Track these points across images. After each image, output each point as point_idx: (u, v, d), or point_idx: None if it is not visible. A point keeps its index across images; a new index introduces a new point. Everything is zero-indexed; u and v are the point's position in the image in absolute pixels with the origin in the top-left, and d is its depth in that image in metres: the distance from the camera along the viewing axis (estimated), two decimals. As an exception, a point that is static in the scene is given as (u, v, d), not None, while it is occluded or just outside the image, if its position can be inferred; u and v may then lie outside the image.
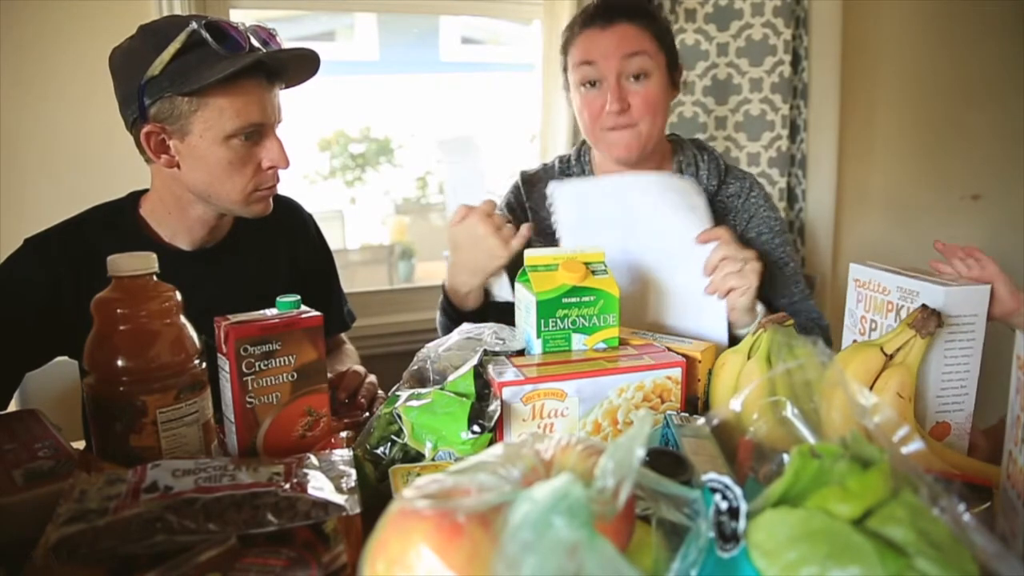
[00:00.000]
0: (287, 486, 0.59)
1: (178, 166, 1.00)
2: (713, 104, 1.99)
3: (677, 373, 0.81)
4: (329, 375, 0.91)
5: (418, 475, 0.69)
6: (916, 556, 0.38)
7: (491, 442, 0.73)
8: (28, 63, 1.52)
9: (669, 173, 1.09)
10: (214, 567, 0.51)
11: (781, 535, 0.39)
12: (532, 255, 0.89)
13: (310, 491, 0.59)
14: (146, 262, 0.72)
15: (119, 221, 1.08)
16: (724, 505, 0.41)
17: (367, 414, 0.96)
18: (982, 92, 2.29)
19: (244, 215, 1.07)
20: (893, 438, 0.45)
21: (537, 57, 1.94)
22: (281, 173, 1.05)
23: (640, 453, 0.41)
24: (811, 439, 0.50)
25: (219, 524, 0.54)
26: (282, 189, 1.28)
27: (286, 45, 1.04)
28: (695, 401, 0.88)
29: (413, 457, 0.75)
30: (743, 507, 0.41)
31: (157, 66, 0.92)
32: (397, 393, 0.82)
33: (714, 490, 0.42)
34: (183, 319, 0.75)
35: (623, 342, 0.89)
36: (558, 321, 0.86)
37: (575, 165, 1.29)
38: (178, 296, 0.75)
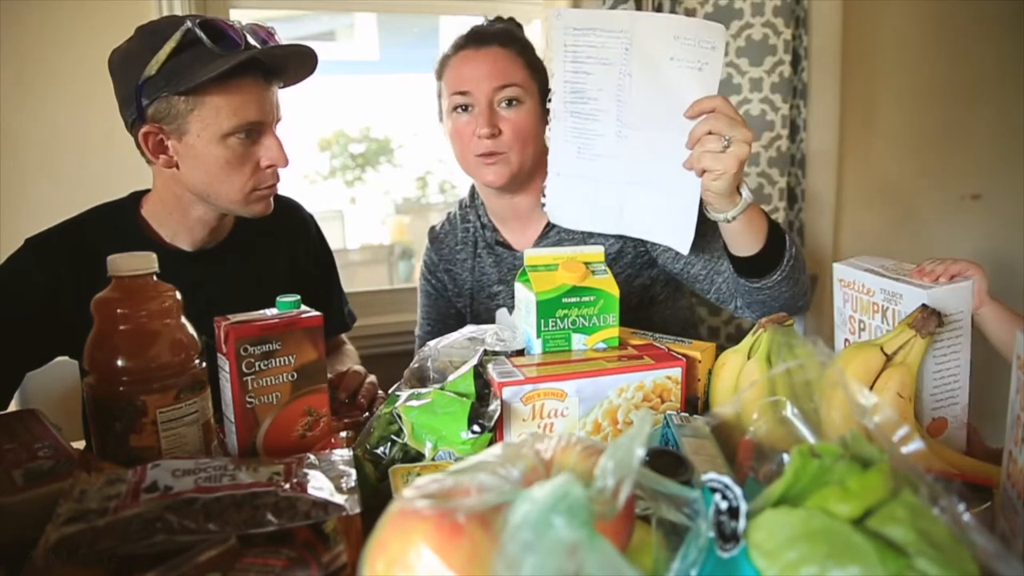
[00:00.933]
0: (287, 486, 0.59)
1: (177, 166, 1.00)
2: (713, 104, 1.98)
3: (677, 373, 0.81)
4: (329, 375, 0.91)
5: (418, 475, 0.69)
6: (916, 556, 0.38)
7: (491, 442, 0.73)
8: (28, 63, 1.52)
9: (693, 20, 0.95)
10: (214, 567, 0.51)
11: (781, 535, 0.39)
12: (532, 255, 0.89)
13: (310, 491, 0.59)
14: (146, 262, 0.72)
15: (120, 221, 1.08)
16: (724, 505, 0.41)
17: (367, 414, 0.96)
18: (982, 92, 2.29)
19: (244, 215, 1.06)
20: (893, 438, 0.45)
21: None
22: (281, 173, 1.05)
23: (640, 453, 0.41)
24: (811, 439, 0.50)
25: (219, 524, 0.54)
26: (282, 189, 1.27)
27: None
28: (695, 401, 0.88)
29: (413, 457, 0.75)
30: (743, 507, 0.41)
31: (153, 66, 0.92)
32: (397, 393, 0.82)
33: (714, 490, 0.42)
34: (183, 319, 0.75)
35: (623, 342, 0.89)
36: (558, 321, 0.86)
37: (470, 207, 1.30)
38: (178, 296, 0.75)
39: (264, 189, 1.04)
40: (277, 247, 1.21)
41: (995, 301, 0.83)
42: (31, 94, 1.53)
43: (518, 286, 0.92)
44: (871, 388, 0.78)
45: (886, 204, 2.29)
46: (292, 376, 0.76)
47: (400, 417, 0.76)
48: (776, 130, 1.98)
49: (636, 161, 0.99)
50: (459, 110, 1.13)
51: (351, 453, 0.69)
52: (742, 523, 0.41)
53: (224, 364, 0.74)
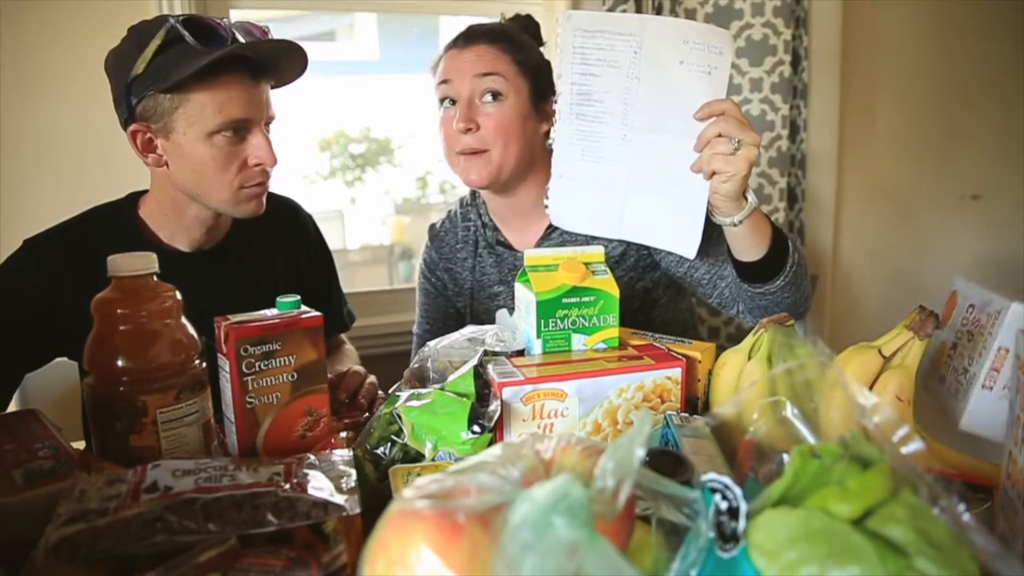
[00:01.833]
0: (287, 486, 0.59)
1: (167, 165, 1.00)
2: (713, 104, 1.98)
3: (677, 373, 0.81)
4: (329, 375, 0.91)
5: (418, 475, 0.69)
6: (916, 556, 0.38)
7: (491, 442, 0.73)
8: (28, 63, 1.52)
9: (702, 25, 0.95)
10: (214, 567, 0.51)
11: (781, 535, 0.39)
12: (532, 255, 0.89)
13: (310, 491, 0.59)
14: (146, 262, 0.73)
15: (119, 222, 1.08)
16: (724, 505, 0.41)
17: (367, 414, 0.96)
18: (982, 92, 2.29)
19: (235, 215, 1.06)
20: (893, 438, 0.45)
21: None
22: (278, 172, 1.05)
23: (640, 453, 0.41)
24: (811, 439, 0.50)
25: (219, 524, 0.54)
26: (282, 189, 1.28)
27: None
28: (695, 401, 0.88)
29: (413, 457, 0.75)
30: (743, 507, 0.41)
31: (140, 64, 0.93)
32: (397, 393, 0.82)
33: (714, 490, 0.42)
34: (183, 319, 0.75)
35: (623, 342, 0.89)
36: (558, 321, 0.86)
37: (471, 205, 1.29)
38: (178, 296, 0.75)
39: (252, 187, 1.03)
40: (276, 247, 1.21)
41: None
42: (31, 94, 1.53)
43: (518, 286, 0.92)
44: (869, 390, 0.78)
45: (886, 204, 2.29)
46: (292, 376, 0.76)
47: (400, 417, 0.76)
48: (776, 130, 1.98)
49: (641, 165, 0.99)
50: (444, 103, 1.13)
51: (351, 453, 0.69)
52: (742, 523, 0.41)
53: (224, 364, 0.74)
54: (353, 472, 0.64)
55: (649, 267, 1.20)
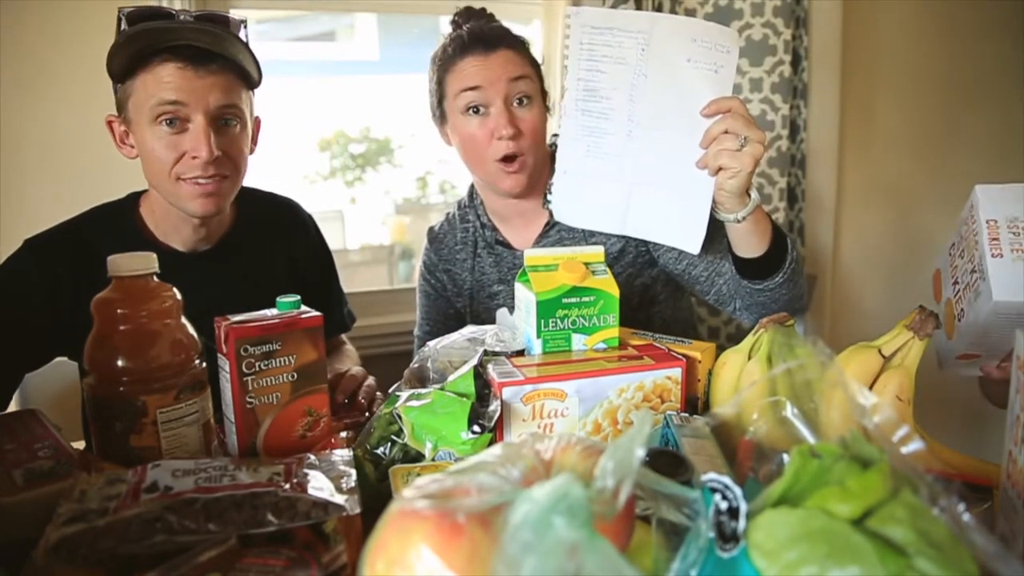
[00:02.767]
0: (287, 486, 0.59)
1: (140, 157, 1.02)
2: (713, 104, 1.98)
3: (677, 373, 0.81)
4: (328, 375, 0.91)
5: (418, 475, 0.69)
6: (916, 556, 0.38)
7: (491, 442, 0.73)
8: (28, 63, 1.52)
9: (710, 24, 0.97)
10: (214, 567, 0.51)
11: (781, 535, 0.39)
12: (532, 255, 0.89)
13: (310, 491, 0.59)
14: (146, 262, 0.73)
15: (119, 222, 1.08)
16: (724, 505, 0.41)
17: (367, 414, 0.96)
18: (982, 92, 2.29)
19: (188, 212, 1.02)
20: (893, 438, 0.45)
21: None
22: (280, 172, 1.05)
23: (640, 453, 0.41)
24: (811, 439, 0.50)
25: (219, 524, 0.54)
26: (282, 189, 1.28)
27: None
28: (695, 401, 0.88)
29: (413, 457, 0.75)
30: (743, 507, 0.41)
31: (109, 58, 0.96)
32: (397, 393, 0.82)
33: (714, 490, 0.42)
34: (183, 319, 0.75)
35: (623, 342, 0.89)
36: (558, 321, 0.86)
37: (469, 207, 1.29)
38: (178, 296, 0.75)
39: (191, 183, 0.98)
40: (276, 247, 1.21)
41: None
42: (31, 94, 1.53)
43: (518, 286, 0.92)
44: (869, 390, 0.78)
45: (886, 204, 2.29)
46: (292, 376, 0.76)
47: (400, 417, 0.76)
48: (776, 130, 1.98)
49: (646, 160, 1.00)
50: (471, 111, 1.10)
51: (351, 453, 0.69)
52: (742, 523, 0.41)
53: (224, 364, 0.74)
54: (353, 472, 0.64)
55: (647, 263, 1.20)
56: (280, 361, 0.75)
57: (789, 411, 0.52)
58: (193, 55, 0.95)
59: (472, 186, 1.29)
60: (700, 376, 0.88)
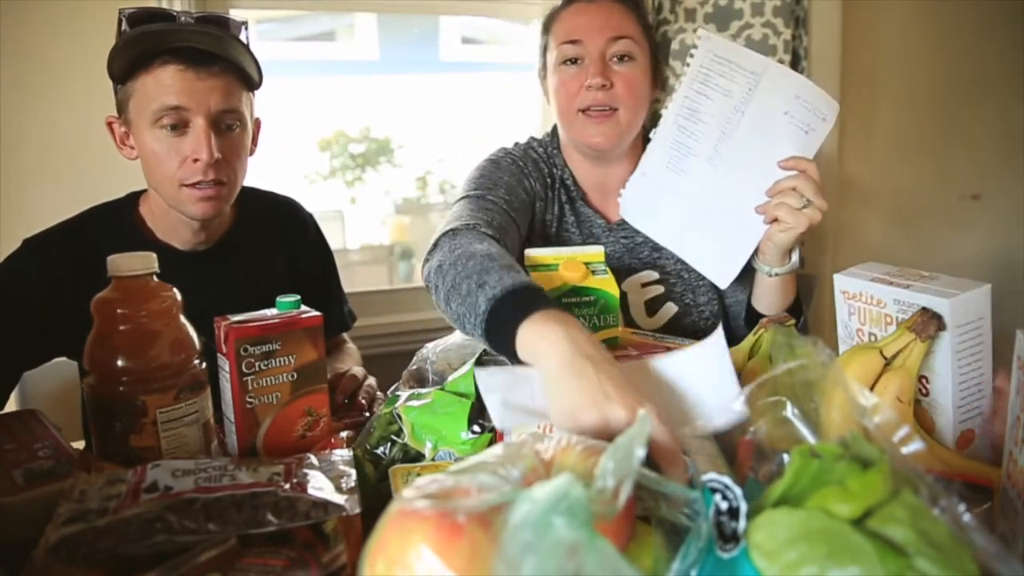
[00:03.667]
0: (287, 486, 0.59)
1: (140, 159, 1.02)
2: (713, 104, 1.98)
3: (677, 373, 0.80)
4: (328, 375, 0.91)
5: (418, 475, 0.69)
6: (916, 556, 0.38)
7: (491, 442, 0.73)
8: (28, 63, 1.52)
9: (817, 88, 0.99)
10: (214, 567, 0.51)
11: (781, 535, 0.39)
12: (532, 255, 0.89)
13: (310, 491, 0.59)
14: (146, 262, 0.73)
15: (118, 221, 1.08)
16: (724, 505, 0.41)
17: (367, 414, 0.96)
18: (982, 92, 2.29)
19: (188, 215, 1.02)
20: (893, 438, 0.45)
21: (537, 57, 1.94)
22: (280, 172, 1.05)
23: (640, 453, 0.41)
24: (811, 439, 0.50)
25: (219, 524, 0.54)
26: (282, 189, 1.28)
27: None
28: (695, 401, 0.88)
29: (413, 457, 0.75)
30: (743, 507, 0.41)
31: (110, 60, 0.96)
32: (397, 393, 0.82)
33: (714, 490, 0.42)
34: (183, 319, 0.75)
35: (623, 342, 0.89)
36: (558, 321, 0.85)
37: (555, 151, 1.19)
38: (178, 296, 0.75)
39: (193, 187, 0.98)
40: (276, 247, 1.21)
41: None
42: (31, 94, 1.53)
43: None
44: (870, 391, 0.78)
45: (886, 205, 2.29)
46: (292, 376, 0.76)
47: (400, 417, 0.76)
48: (776, 130, 1.98)
49: (714, 190, 1.04)
50: (568, 63, 1.09)
51: (351, 453, 0.69)
52: (742, 523, 0.41)
53: (224, 364, 0.74)
54: (353, 472, 0.64)
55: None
56: (280, 361, 0.75)
57: (789, 411, 0.52)
58: (194, 57, 0.95)
59: (554, 132, 1.21)
60: (700, 376, 0.88)
